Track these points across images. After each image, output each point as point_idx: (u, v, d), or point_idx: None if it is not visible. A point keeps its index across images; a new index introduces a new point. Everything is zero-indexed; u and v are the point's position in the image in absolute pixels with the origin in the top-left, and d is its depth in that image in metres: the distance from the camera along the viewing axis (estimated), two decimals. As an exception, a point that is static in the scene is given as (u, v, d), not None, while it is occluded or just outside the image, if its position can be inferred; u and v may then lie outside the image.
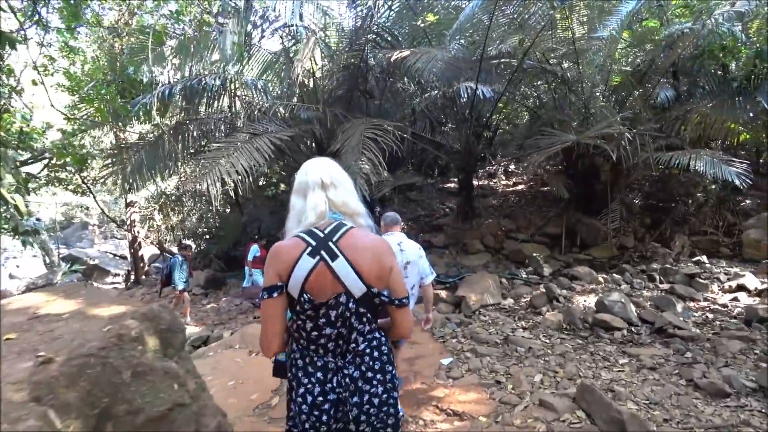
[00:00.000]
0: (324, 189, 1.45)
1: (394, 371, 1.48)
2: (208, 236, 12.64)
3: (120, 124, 8.09)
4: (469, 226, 9.45)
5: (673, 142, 8.73)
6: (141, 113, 7.98)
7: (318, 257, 1.33)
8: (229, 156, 7.01)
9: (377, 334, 1.45)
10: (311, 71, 10.02)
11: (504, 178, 12.76)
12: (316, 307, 1.34)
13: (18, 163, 11.31)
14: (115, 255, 17.23)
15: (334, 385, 1.38)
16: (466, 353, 4.77)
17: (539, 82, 9.71)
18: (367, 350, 1.41)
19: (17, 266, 21.67)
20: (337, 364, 1.40)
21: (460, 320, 5.82)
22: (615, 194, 8.97)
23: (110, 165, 7.70)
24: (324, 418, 1.35)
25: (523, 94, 10.17)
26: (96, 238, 24.45)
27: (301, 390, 1.37)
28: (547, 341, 5.00)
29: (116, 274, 15.87)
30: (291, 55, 9.48)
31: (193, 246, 13.40)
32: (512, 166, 13.65)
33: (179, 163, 8.93)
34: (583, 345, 4.86)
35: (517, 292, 6.95)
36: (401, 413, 3.13)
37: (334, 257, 1.34)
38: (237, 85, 9.50)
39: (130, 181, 7.82)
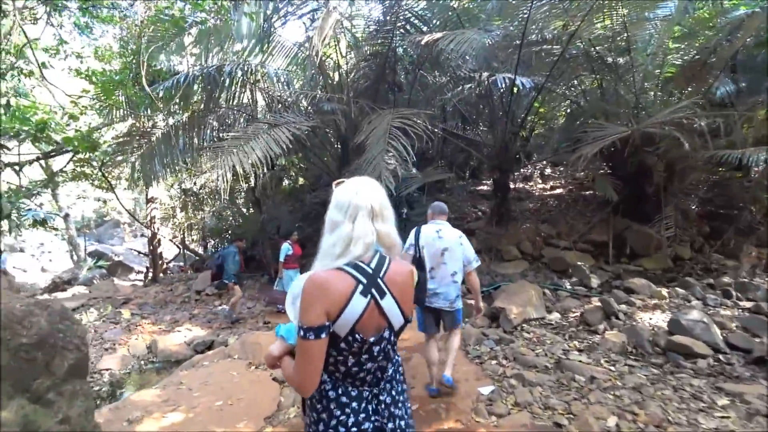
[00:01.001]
0: (372, 218, 1.29)
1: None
2: (227, 235, 11.92)
3: (136, 112, 7.40)
4: (505, 231, 8.36)
5: (734, 142, 7.46)
6: (156, 101, 7.29)
7: (369, 296, 1.23)
8: (244, 145, 6.22)
9: (397, 356, 1.43)
10: (336, 63, 9.24)
11: (540, 181, 11.58)
12: (363, 344, 1.24)
13: (40, 155, 10.93)
14: (139, 252, 16.81)
15: (370, 413, 1.30)
16: (510, 380, 3.72)
17: (584, 73, 8.58)
18: (395, 375, 1.40)
19: (50, 260, 21.72)
20: (373, 392, 1.33)
21: (499, 337, 4.76)
22: (669, 199, 7.74)
23: (121, 153, 6.99)
24: None
25: (565, 86, 9.04)
26: (126, 236, 24.37)
27: (333, 422, 1.26)
28: (612, 369, 3.89)
29: (139, 271, 15.39)
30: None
31: (206, 247, 12.71)
32: (548, 170, 12.49)
33: (196, 156, 8.19)
34: (661, 376, 3.72)
35: (563, 305, 5.83)
36: None
37: (383, 295, 1.25)
38: (259, 77, 8.77)
39: (139, 170, 7.11)
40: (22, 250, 23.35)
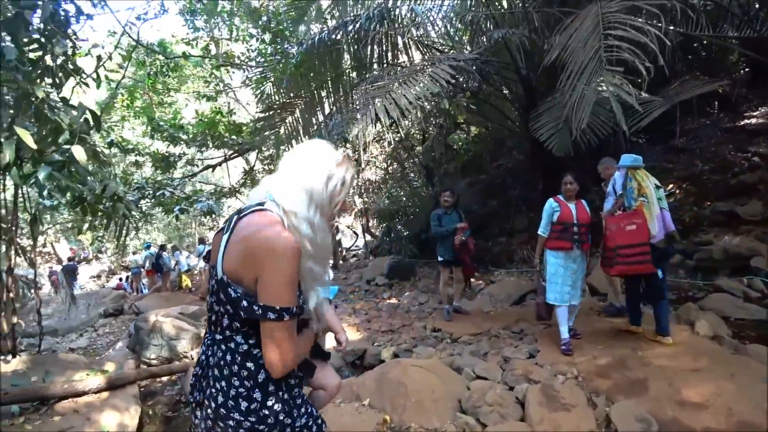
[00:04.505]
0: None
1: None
2: (398, 217, 10.63)
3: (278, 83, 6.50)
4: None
5: None
6: (297, 69, 6.18)
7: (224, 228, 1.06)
8: (391, 92, 4.47)
9: (238, 340, 1.02)
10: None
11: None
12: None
13: (226, 157, 11.55)
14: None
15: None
16: None
17: None
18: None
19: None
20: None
21: None
22: None
23: (261, 129, 6.16)
24: None
25: None
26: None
27: None
28: None
29: (324, 260, 15.71)
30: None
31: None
32: None
33: (346, 127, 6.92)
34: None
35: None
36: None
37: (226, 230, 1.03)
38: (408, 22, 6.96)
39: (286, 147, 6.14)
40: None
